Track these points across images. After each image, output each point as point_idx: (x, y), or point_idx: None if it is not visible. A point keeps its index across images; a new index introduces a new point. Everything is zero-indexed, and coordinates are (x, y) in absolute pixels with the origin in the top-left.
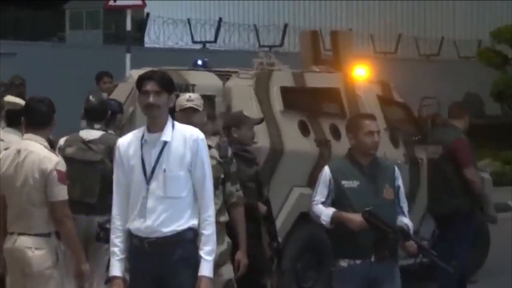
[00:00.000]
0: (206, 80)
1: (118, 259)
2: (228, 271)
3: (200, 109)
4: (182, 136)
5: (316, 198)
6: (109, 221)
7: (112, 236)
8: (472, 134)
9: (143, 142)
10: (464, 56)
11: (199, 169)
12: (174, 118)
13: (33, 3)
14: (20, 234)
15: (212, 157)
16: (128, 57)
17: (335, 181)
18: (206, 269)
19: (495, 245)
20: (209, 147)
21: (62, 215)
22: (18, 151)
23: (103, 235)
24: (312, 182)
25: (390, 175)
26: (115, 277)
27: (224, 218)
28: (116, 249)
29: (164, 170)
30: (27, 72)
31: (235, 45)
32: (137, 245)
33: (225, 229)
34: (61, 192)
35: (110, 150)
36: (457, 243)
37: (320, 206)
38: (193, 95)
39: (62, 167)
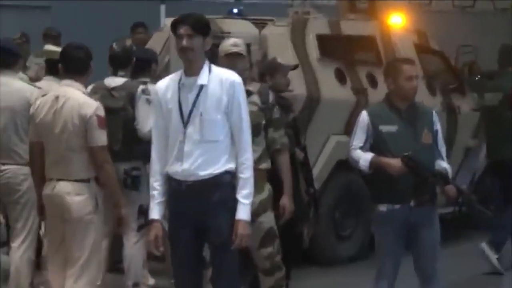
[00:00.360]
0: (242, 28)
1: (157, 202)
2: (269, 219)
3: (244, 54)
4: (219, 80)
5: (354, 143)
6: (134, 168)
7: (151, 179)
8: None
9: (180, 86)
10: (500, 7)
11: (236, 112)
12: (212, 62)
13: None
14: (59, 180)
15: (253, 103)
16: (162, 8)
17: (373, 125)
18: (243, 212)
19: None
20: (251, 93)
21: (103, 160)
22: (56, 98)
23: (130, 182)
24: (349, 130)
25: (428, 120)
26: (153, 220)
27: (266, 165)
28: (155, 192)
29: (201, 114)
30: (62, 26)
31: None
32: (176, 188)
33: (266, 176)
34: (101, 137)
35: (131, 96)
36: None
37: (359, 151)
38: (238, 40)
39: (101, 112)
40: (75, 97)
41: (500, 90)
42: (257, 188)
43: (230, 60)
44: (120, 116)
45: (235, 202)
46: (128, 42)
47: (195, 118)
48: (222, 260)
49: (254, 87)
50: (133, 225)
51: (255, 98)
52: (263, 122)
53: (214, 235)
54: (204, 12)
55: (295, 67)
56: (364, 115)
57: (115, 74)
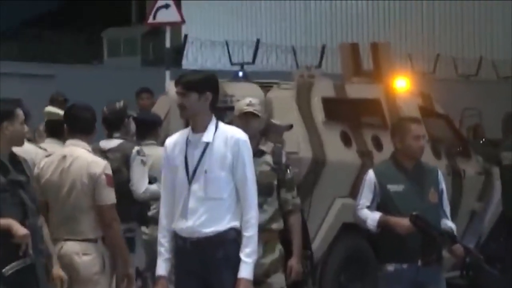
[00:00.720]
0: (248, 91)
1: (164, 259)
2: (280, 280)
3: (260, 114)
4: (224, 137)
5: (361, 202)
6: (129, 229)
7: (159, 235)
8: None
9: (187, 142)
10: (503, 76)
11: (241, 170)
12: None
13: (72, 29)
14: (66, 240)
15: (265, 162)
16: (167, 74)
17: (380, 185)
18: (245, 271)
19: None
20: (264, 152)
21: (111, 219)
22: (63, 157)
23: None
24: (354, 192)
25: (434, 179)
26: (160, 277)
27: (277, 225)
28: (162, 249)
29: (205, 171)
30: (66, 93)
31: (273, 66)
32: (181, 245)
33: (279, 237)
34: (110, 196)
35: (126, 158)
36: None
37: (366, 211)
38: (253, 100)
39: (109, 171)
40: (84, 156)
41: None
42: (269, 249)
43: (245, 120)
44: (114, 178)
45: (239, 259)
46: (120, 105)
47: (199, 175)
48: None
49: (268, 147)
50: None
51: (268, 158)
52: (275, 182)
53: None
54: None
55: (289, 128)
56: (371, 174)
57: (110, 136)
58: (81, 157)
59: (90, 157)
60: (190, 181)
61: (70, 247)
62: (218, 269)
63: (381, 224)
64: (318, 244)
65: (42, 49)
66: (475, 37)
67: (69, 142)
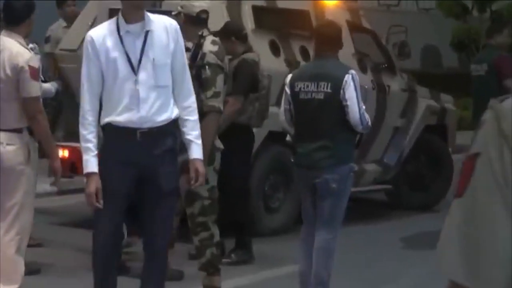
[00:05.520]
0: None
1: (94, 155)
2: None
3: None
4: (163, 25)
5: (282, 107)
6: None
7: (84, 132)
8: (431, 83)
9: (122, 34)
10: (423, 8)
11: (180, 57)
12: None
13: None
14: None
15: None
16: None
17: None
18: (198, 152)
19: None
20: (188, 49)
21: (35, 111)
22: None
23: None
24: (280, 101)
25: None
26: (93, 173)
27: None
28: (90, 145)
29: (153, 59)
30: None
31: None
32: (126, 137)
33: None
34: (33, 88)
35: None
36: None
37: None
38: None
39: (34, 63)
40: (9, 47)
41: (484, 61)
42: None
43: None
44: None
45: (176, 149)
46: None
47: (146, 64)
48: (167, 206)
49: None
50: None
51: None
52: None
53: (165, 182)
54: None
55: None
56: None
57: None
58: (7, 48)
59: (16, 48)
60: (136, 71)
61: None
62: (164, 160)
63: None
64: None
65: None
66: None
67: (3, 33)
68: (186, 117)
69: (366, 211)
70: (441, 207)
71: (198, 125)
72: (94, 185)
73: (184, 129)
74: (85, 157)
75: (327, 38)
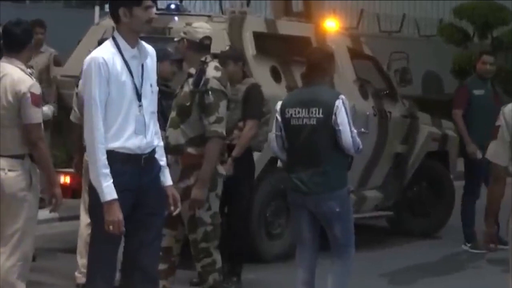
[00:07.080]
0: (180, 23)
1: (112, 181)
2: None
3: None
4: (150, 51)
5: (273, 133)
6: None
7: (102, 157)
8: (432, 110)
9: (128, 59)
10: (424, 34)
11: (155, 85)
12: None
13: None
14: None
15: (188, 84)
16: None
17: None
18: (170, 178)
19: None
20: (191, 75)
21: (36, 138)
22: None
23: None
24: None
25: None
26: (116, 200)
27: (194, 150)
28: (108, 171)
29: (151, 85)
30: None
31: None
32: (134, 163)
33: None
34: (35, 115)
35: None
36: None
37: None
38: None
39: (37, 90)
40: (11, 73)
41: None
42: (184, 175)
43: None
44: None
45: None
46: None
47: (146, 90)
48: (157, 228)
49: (193, 70)
50: None
51: (191, 80)
52: (187, 103)
53: (157, 204)
54: None
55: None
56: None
57: None
58: (8, 74)
59: (18, 74)
60: (139, 97)
61: None
62: (155, 182)
63: None
64: None
65: None
66: None
67: (3, 59)
68: (156, 143)
69: (367, 238)
70: (442, 234)
71: (163, 151)
72: (117, 212)
73: (156, 156)
74: (104, 183)
75: (316, 65)
